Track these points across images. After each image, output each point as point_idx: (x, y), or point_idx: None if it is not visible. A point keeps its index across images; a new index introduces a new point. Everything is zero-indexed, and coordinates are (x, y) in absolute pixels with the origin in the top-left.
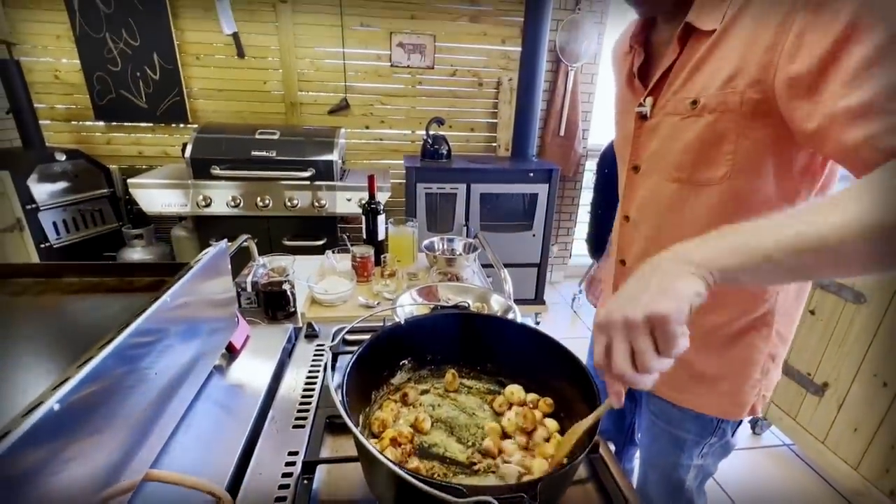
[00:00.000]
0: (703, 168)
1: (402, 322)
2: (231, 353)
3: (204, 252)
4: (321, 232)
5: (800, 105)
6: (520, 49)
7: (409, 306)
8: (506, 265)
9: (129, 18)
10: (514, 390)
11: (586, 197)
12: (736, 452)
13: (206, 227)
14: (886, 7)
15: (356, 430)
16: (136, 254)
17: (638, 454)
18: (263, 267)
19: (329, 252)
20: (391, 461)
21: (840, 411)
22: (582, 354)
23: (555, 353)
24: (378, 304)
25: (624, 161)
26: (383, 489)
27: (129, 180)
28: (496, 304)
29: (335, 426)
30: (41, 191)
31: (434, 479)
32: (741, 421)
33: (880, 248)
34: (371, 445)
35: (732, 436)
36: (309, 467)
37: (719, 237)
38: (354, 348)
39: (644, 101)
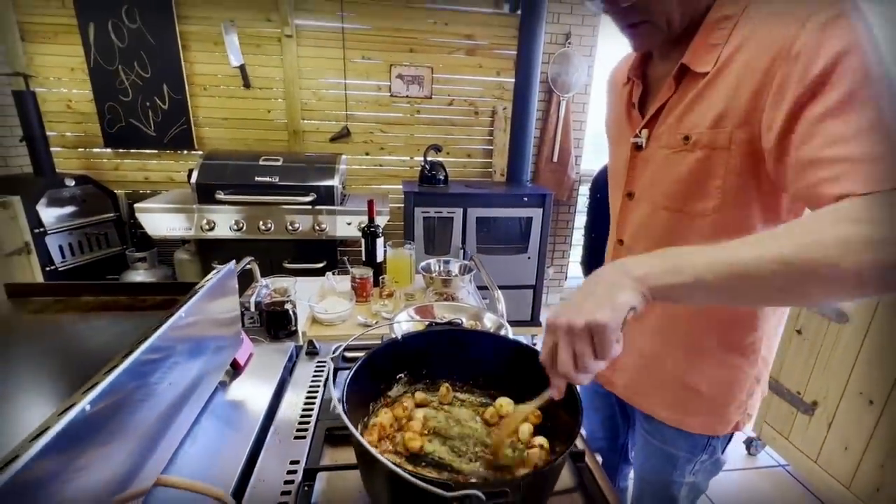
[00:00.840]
0: (694, 199)
1: (399, 338)
2: (235, 369)
3: (213, 272)
4: (321, 255)
5: (771, 150)
6: (514, 80)
7: (405, 323)
8: (502, 287)
9: (141, 52)
10: (504, 403)
11: (580, 221)
12: (732, 473)
13: (209, 250)
14: (855, 64)
15: (352, 428)
16: (139, 276)
17: (632, 472)
18: (266, 287)
19: (329, 273)
20: (385, 459)
21: (830, 430)
22: None
23: (542, 368)
24: (376, 322)
25: (619, 187)
26: (378, 488)
27: (135, 205)
28: (489, 322)
29: (335, 437)
30: (49, 215)
31: (425, 475)
32: (730, 438)
33: (783, 280)
34: (367, 444)
35: (722, 452)
36: (310, 474)
37: (662, 257)
38: (353, 364)
39: (640, 132)
